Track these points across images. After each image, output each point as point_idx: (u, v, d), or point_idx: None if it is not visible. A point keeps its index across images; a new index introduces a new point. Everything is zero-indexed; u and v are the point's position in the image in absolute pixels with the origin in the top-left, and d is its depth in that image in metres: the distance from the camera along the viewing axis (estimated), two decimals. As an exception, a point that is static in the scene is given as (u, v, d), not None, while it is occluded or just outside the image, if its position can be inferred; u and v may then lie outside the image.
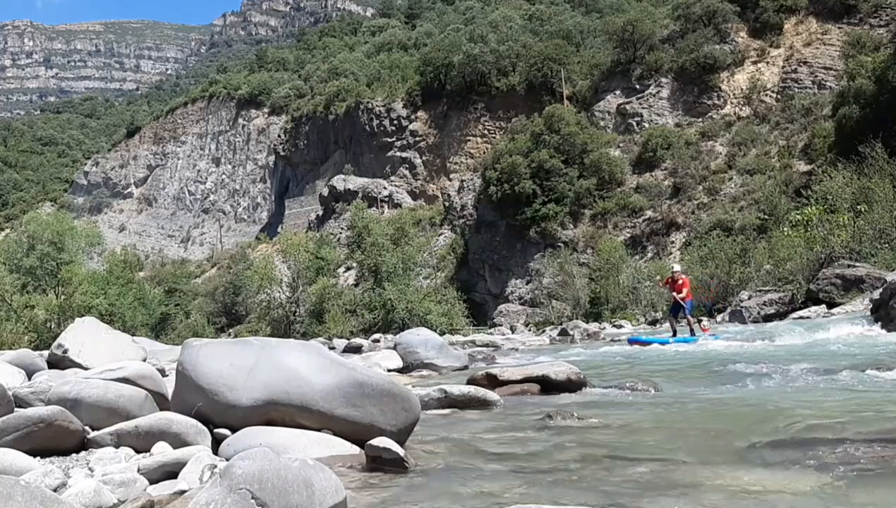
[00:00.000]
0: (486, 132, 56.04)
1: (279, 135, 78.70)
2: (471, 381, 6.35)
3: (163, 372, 5.88)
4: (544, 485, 2.98)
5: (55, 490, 2.79)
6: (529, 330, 28.05)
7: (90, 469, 3.24)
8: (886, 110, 26.45)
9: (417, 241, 37.21)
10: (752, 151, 37.35)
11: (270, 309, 34.48)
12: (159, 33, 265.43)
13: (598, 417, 4.60)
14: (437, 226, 49.76)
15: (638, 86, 45.04)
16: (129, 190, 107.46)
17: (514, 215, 38.90)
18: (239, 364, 3.71)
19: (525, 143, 40.09)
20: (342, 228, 51.98)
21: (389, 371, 8.71)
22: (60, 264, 30.53)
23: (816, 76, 39.36)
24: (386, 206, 57.27)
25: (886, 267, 17.07)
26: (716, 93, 42.40)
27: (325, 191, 62.32)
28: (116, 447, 3.53)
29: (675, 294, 14.41)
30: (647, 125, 42.72)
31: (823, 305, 16.25)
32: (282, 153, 76.79)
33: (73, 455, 3.49)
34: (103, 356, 7.54)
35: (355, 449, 3.52)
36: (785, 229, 22.69)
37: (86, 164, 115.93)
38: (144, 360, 7.36)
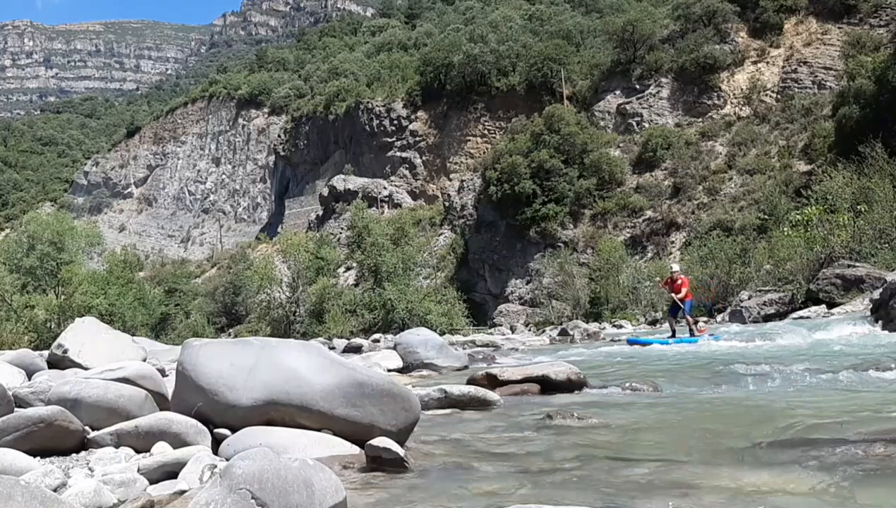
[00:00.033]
0: (486, 132, 56.06)
1: (279, 135, 78.71)
2: (471, 381, 6.35)
3: (163, 372, 5.88)
4: (544, 485, 2.98)
5: (55, 490, 2.79)
6: (529, 330, 28.05)
7: (90, 469, 3.24)
8: (886, 110, 26.46)
9: (417, 241, 37.21)
10: (752, 151, 37.36)
11: (270, 309, 34.49)
12: (159, 33, 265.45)
13: (598, 417, 4.60)
14: (437, 226, 49.77)
15: (638, 86, 45.05)
16: (129, 190, 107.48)
17: (514, 215, 38.91)
18: (239, 364, 3.71)
19: (525, 143, 40.10)
20: (342, 228, 51.99)
21: (389, 371, 8.71)
22: (60, 264, 30.53)
23: (816, 76, 39.36)
24: (386, 206, 57.28)
25: (886, 267, 17.07)
26: (716, 93, 42.42)
27: (325, 191, 62.33)
28: (116, 447, 3.53)
29: (673, 295, 14.38)
30: (647, 125, 42.72)
31: (823, 305, 16.25)
32: (282, 153, 76.80)
33: (73, 455, 3.49)
34: (103, 356, 7.54)
35: (355, 449, 3.52)
36: (785, 229, 22.69)
37: (86, 164, 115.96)
38: (144, 360, 7.36)
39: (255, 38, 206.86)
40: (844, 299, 15.94)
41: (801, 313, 16.30)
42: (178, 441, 3.49)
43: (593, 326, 21.39)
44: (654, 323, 22.95)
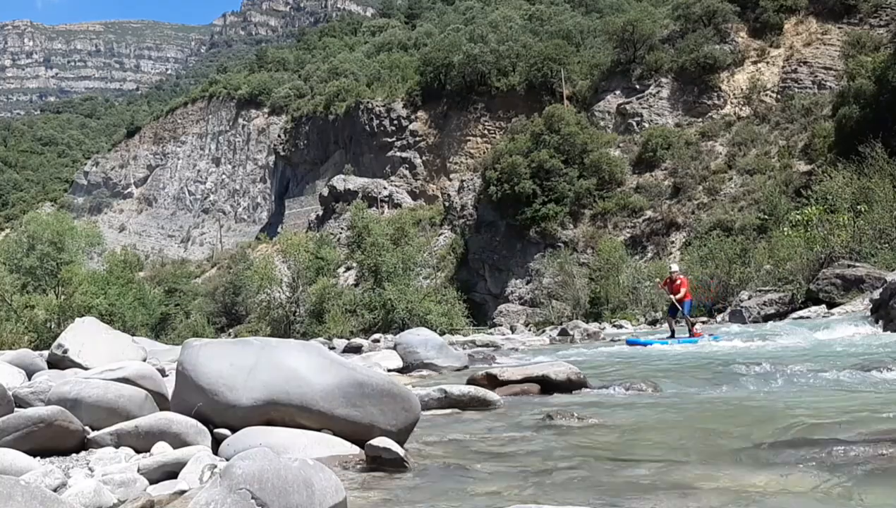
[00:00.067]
0: (486, 132, 56.06)
1: (279, 135, 78.72)
2: (471, 381, 6.35)
3: (163, 372, 5.88)
4: (544, 485, 2.98)
5: (55, 490, 2.79)
6: (529, 330, 28.06)
7: (90, 469, 3.24)
8: (886, 110, 26.47)
9: (417, 241, 37.22)
10: (752, 151, 37.37)
11: (270, 309, 34.50)
12: (159, 33, 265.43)
13: (599, 417, 4.60)
14: (437, 226, 49.78)
15: (638, 86, 45.05)
16: (129, 190, 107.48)
17: (514, 215, 38.91)
18: (239, 364, 3.71)
19: (525, 143, 40.11)
20: (342, 228, 52.00)
21: (389, 371, 8.71)
22: (60, 264, 30.54)
23: (816, 76, 39.37)
24: (386, 206, 57.29)
25: (886, 267, 17.08)
26: (716, 93, 42.42)
27: (325, 191, 62.33)
28: (116, 447, 3.53)
29: (672, 296, 14.32)
30: (647, 125, 42.73)
31: (823, 305, 16.26)
32: (282, 153, 76.80)
33: (73, 455, 3.49)
34: (103, 356, 7.54)
35: (355, 449, 3.52)
36: (785, 229, 22.70)
37: (86, 164, 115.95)
38: (144, 360, 7.36)
39: (255, 38, 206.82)
40: (844, 299, 15.95)
41: (801, 313, 16.31)
42: (178, 441, 3.49)
43: (593, 326, 21.39)
44: (654, 323, 22.95)
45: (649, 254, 35.12)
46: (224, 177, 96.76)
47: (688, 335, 13.47)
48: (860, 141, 24.67)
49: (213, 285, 57.56)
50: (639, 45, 45.65)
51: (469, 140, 57.27)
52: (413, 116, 61.17)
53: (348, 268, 43.42)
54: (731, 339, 12.28)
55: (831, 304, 16.10)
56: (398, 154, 61.33)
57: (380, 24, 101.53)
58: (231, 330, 45.34)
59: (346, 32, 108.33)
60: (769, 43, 42.49)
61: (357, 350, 14.98)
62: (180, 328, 44.60)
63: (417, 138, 60.67)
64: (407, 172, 61.22)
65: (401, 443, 3.53)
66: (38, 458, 3.31)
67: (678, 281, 14.31)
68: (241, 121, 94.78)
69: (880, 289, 12.98)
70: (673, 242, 35.33)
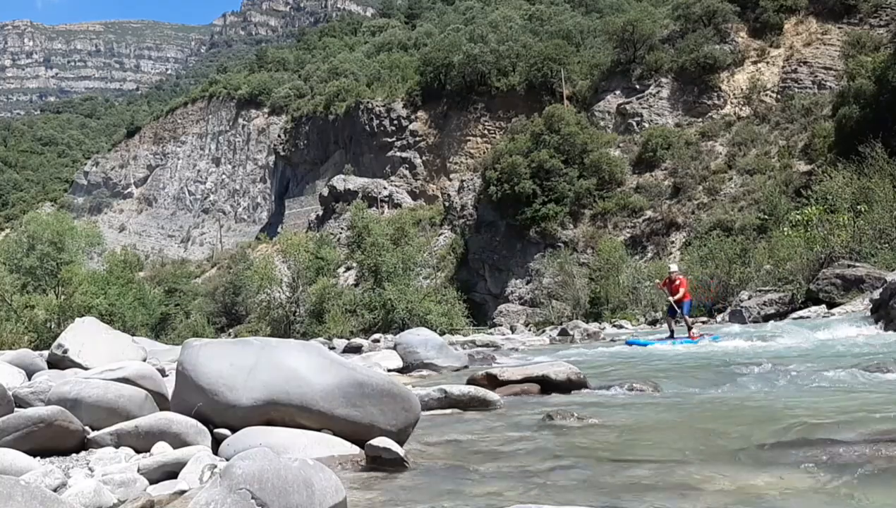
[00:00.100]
0: (486, 132, 56.06)
1: (279, 135, 78.71)
2: (471, 381, 6.35)
3: (163, 372, 5.88)
4: (544, 485, 2.98)
5: (55, 490, 2.79)
6: (529, 330, 28.05)
7: (90, 469, 3.24)
8: (886, 110, 26.46)
9: (417, 241, 37.22)
10: (752, 151, 37.36)
11: (270, 309, 34.50)
12: (159, 33, 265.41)
13: (599, 417, 4.60)
14: (437, 226, 49.78)
15: (638, 86, 45.05)
16: (129, 190, 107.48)
17: (514, 215, 38.91)
18: (239, 364, 3.71)
19: (525, 143, 40.10)
20: (342, 228, 52.00)
21: (389, 371, 8.72)
22: (60, 264, 30.53)
23: (816, 76, 39.37)
24: (386, 206, 57.29)
25: (886, 267, 17.07)
26: (716, 93, 42.42)
27: (325, 191, 62.33)
28: (116, 447, 3.53)
29: (670, 298, 14.28)
30: (647, 125, 42.73)
31: (823, 305, 16.26)
32: (282, 153, 76.80)
33: (73, 455, 3.49)
34: (103, 356, 7.54)
35: (355, 449, 3.52)
36: (785, 229, 22.70)
37: (86, 164, 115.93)
38: (144, 360, 7.36)
39: (255, 38, 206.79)
40: (844, 299, 15.95)
41: (801, 313, 16.30)
42: (178, 441, 3.49)
43: (593, 326, 21.39)
44: (654, 323, 22.95)
45: (649, 254, 35.12)
46: (224, 177, 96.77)
47: (687, 335, 13.45)
48: (860, 141, 24.67)
49: (213, 285, 57.56)
50: (639, 45, 45.65)
51: (469, 140, 57.27)
52: (413, 116, 61.17)
53: (348, 268, 43.42)
54: (731, 339, 12.28)
55: (831, 304, 16.10)
56: (398, 154, 61.33)
57: (380, 24, 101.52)
58: (231, 330, 45.34)
59: (346, 32, 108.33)
60: (769, 43, 42.49)
61: (357, 350, 14.98)
62: (180, 328, 44.60)
63: (417, 138, 60.68)
64: (407, 172, 61.22)
65: (401, 443, 3.53)
66: (38, 458, 3.31)
67: (677, 282, 14.29)
68: (241, 121, 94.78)
69: (880, 289, 12.98)
70: (673, 242, 35.33)
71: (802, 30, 41.74)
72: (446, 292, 32.80)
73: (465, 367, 9.35)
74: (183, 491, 2.86)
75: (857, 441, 3.23)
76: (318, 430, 3.60)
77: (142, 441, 3.54)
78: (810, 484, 2.74)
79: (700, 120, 42.00)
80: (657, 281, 19.93)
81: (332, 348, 15.24)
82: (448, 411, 5.28)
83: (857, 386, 5.45)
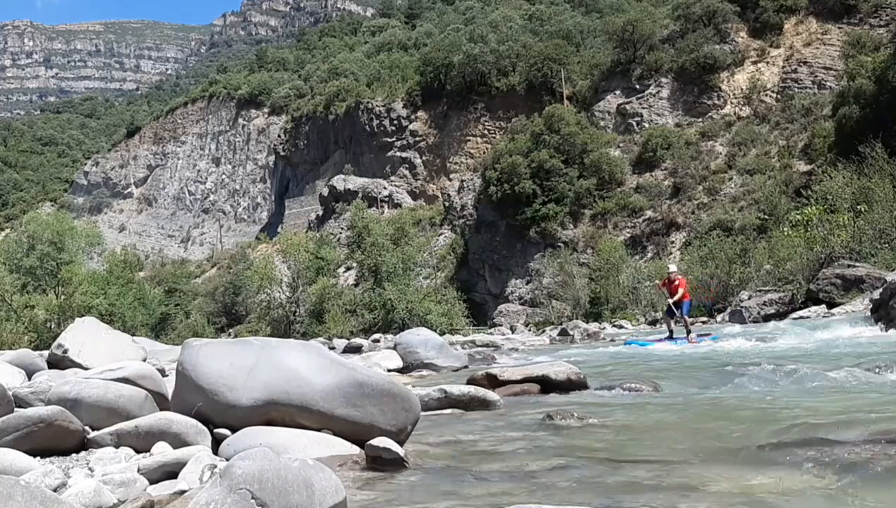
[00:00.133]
0: (486, 132, 56.05)
1: (279, 135, 78.71)
2: (471, 381, 6.35)
3: (163, 372, 5.88)
4: (544, 486, 2.98)
5: (55, 490, 2.79)
6: (529, 330, 28.06)
7: (90, 469, 3.24)
8: (886, 110, 26.47)
9: (417, 241, 37.23)
10: (752, 151, 37.37)
11: (270, 309, 34.51)
12: (159, 33, 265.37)
13: (598, 417, 4.60)
14: (437, 226, 49.78)
15: (638, 86, 45.05)
16: (129, 190, 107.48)
17: (514, 215, 38.92)
18: (239, 364, 3.71)
19: (525, 143, 40.11)
20: (342, 228, 52.00)
21: (389, 371, 8.72)
22: (60, 264, 30.54)
23: (816, 76, 39.37)
24: (386, 206, 57.29)
25: (886, 267, 17.08)
26: (716, 93, 42.42)
27: (325, 191, 62.33)
28: (116, 447, 3.53)
29: (669, 300, 14.25)
30: (647, 125, 42.73)
31: (823, 305, 16.26)
32: (282, 153, 76.80)
33: (73, 455, 3.49)
34: (103, 356, 7.54)
35: (355, 449, 3.52)
36: (785, 229, 22.71)
37: (86, 164, 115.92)
38: (144, 360, 7.36)
39: (255, 38, 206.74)
40: (844, 299, 15.95)
41: (801, 313, 16.31)
42: (178, 441, 3.49)
43: (593, 326, 21.41)
44: (654, 322, 22.96)
45: (649, 254, 35.13)
46: (224, 177, 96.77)
47: (686, 335, 13.45)
48: (860, 141, 24.67)
49: (213, 285, 57.57)
50: (639, 45, 45.65)
51: (469, 140, 57.27)
52: (413, 116, 61.17)
53: (348, 268, 43.42)
54: (731, 339, 12.28)
55: (831, 304, 16.10)
56: (398, 154, 61.33)
57: (380, 24, 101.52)
58: (231, 330, 45.34)
59: (346, 32, 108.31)
60: (769, 43, 42.49)
61: (357, 350, 14.99)
62: (180, 328, 44.61)
63: (417, 138, 60.67)
64: (407, 172, 61.22)
65: (401, 443, 3.53)
66: (38, 458, 3.31)
67: (676, 282, 14.28)
68: (241, 121, 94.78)
69: (880, 289, 12.99)
70: (673, 242, 35.33)
71: (802, 30, 41.75)
72: (446, 292, 32.82)
73: (465, 367, 9.36)
74: (183, 491, 2.86)
75: (857, 441, 3.23)
76: (318, 430, 3.60)
77: (142, 441, 3.54)
78: (810, 484, 2.74)
79: (700, 120, 42.00)
80: (656, 281, 19.93)
81: (332, 348, 15.24)
82: (448, 411, 5.28)
83: (857, 386, 5.45)
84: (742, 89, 41.75)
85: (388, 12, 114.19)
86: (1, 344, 21.33)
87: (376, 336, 22.17)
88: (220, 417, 3.67)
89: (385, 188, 59.78)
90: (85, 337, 8.02)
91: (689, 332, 13.60)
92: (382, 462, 3.35)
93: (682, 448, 3.53)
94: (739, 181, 35.84)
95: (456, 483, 3.07)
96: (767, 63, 41.95)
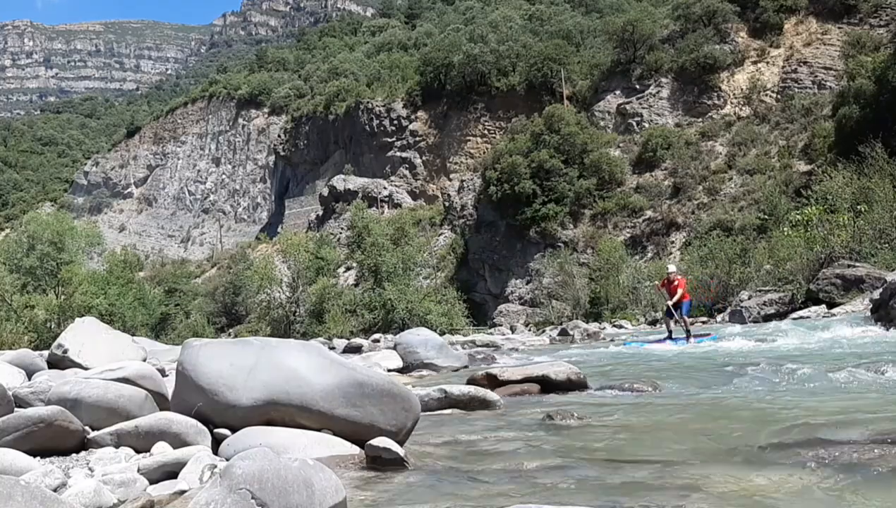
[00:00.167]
0: (486, 132, 56.06)
1: (279, 135, 78.72)
2: (471, 381, 6.35)
3: (163, 372, 5.88)
4: (544, 485, 2.98)
5: (55, 490, 2.79)
6: (529, 330, 28.05)
7: (90, 469, 3.24)
8: (886, 110, 26.47)
9: (417, 241, 37.23)
10: (752, 151, 37.37)
11: (270, 309, 34.50)
12: (159, 33, 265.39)
13: (598, 417, 4.60)
14: (437, 226, 49.78)
15: (638, 86, 45.05)
16: (129, 190, 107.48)
17: (514, 215, 38.91)
18: (239, 364, 3.71)
19: (525, 143, 40.10)
20: (342, 228, 52.00)
21: (389, 371, 8.72)
22: (60, 264, 30.54)
23: (816, 76, 39.37)
24: (386, 206, 57.29)
25: (886, 267, 17.08)
26: (716, 93, 42.42)
27: (325, 191, 62.34)
28: (116, 447, 3.53)
29: (668, 302, 14.23)
30: (647, 125, 42.73)
31: (823, 305, 16.26)
32: (282, 153, 76.81)
33: (73, 455, 3.49)
34: (103, 356, 7.54)
35: (355, 449, 3.52)
36: (785, 229, 22.71)
37: (86, 164, 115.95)
38: (144, 360, 7.36)
39: (255, 38, 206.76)
40: (844, 299, 15.95)
41: (801, 313, 16.30)
42: (178, 441, 3.49)
43: (593, 326, 21.40)
44: (654, 322, 22.94)
45: (649, 254, 35.12)
46: (224, 177, 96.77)
47: (685, 336, 13.45)
48: (860, 141, 24.67)
49: (213, 285, 57.56)
50: (639, 45, 45.65)
51: (469, 140, 57.27)
52: (413, 116, 61.17)
53: (348, 268, 43.42)
54: (731, 339, 12.28)
55: (831, 304, 16.10)
56: (398, 154, 61.33)
57: (380, 24, 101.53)
58: (231, 330, 45.34)
59: (346, 32, 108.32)
60: (769, 43, 42.49)
61: (357, 350, 14.98)
62: (180, 328, 44.60)
63: (417, 138, 60.67)
64: (407, 172, 61.22)
65: (401, 443, 3.53)
66: (38, 458, 3.31)
67: (676, 282, 14.27)
68: (241, 121, 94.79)
69: (880, 289, 12.98)
70: (673, 242, 35.33)
71: (802, 30, 41.75)
72: (446, 292, 32.81)
73: (465, 367, 9.36)
74: (183, 491, 2.86)
75: (857, 441, 3.23)
76: (318, 430, 3.60)
77: (142, 441, 3.54)
78: (810, 484, 2.74)
79: (700, 120, 42.00)
80: (656, 282, 19.93)
81: (332, 348, 15.24)
82: (448, 411, 5.28)
83: (858, 387, 5.45)
84: (742, 89, 41.75)
85: (388, 12, 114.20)
86: (1, 344, 21.33)
87: (376, 336, 22.17)
88: (220, 417, 3.67)
89: (385, 188, 59.78)
90: (85, 337, 8.02)
91: (688, 333, 13.59)
92: (382, 462, 3.35)
93: (683, 448, 3.53)
94: (739, 181, 35.84)
95: (456, 483, 3.07)
96: (767, 63, 41.95)
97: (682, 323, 13.97)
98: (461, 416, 5.11)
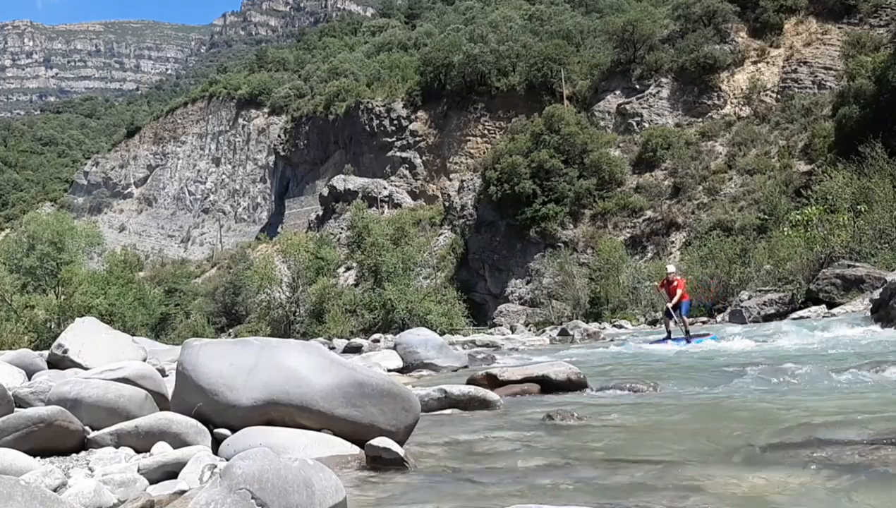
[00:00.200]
0: (486, 132, 56.06)
1: (279, 135, 78.73)
2: (471, 381, 6.35)
3: (163, 372, 5.88)
4: (544, 485, 2.98)
5: (55, 490, 2.79)
6: (529, 330, 28.06)
7: (90, 469, 3.24)
8: (886, 110, 26.47)
9: (417, 241, 37.24)
10: (752, 151, 37.37)
11: (270, 309, 34.51)
12: (159, 33, 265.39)
13: (599, 417, 4.60)
14: (437, 226, 49.78)
15: (638, 87, 45.05)
16: (129, 190, 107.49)
17: (514, 215, 38.92)
18: (239, 364, 3.71)
19: (525, 143, 40.11)
20: (342, 228, 52.00)
21: (389, 371, 8.71)
22: (60, 264, 30.55)
23: (816, 76, 39.37)
24: (386, 206, 57.29)
25: (886, 267, 17.08)
26: (716, 93, 42.42)
27: (325, 191, 62.34)
28: (116, 447, 3.53)
29: (668, 304, 14.23)
30: (647, 125, 42.73)
31: (823, 305, 16.26)
32: (282, 153, 76.82)
33: (73, 455, 3.48)
34: (103, 356, 7.54)
35: (355, 449, 3.52)
36: (785, 229, 22.71)
37: (86, 164, 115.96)
38: (144, 360, 7.36)
39: (255, 38, 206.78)
40: (844, 299, 15.95)
41: (801, 313, 16.30)
42: (178, 441, 3.49)
43: (593, 326, 21.40)
44: (653, 322, 22.94)
45: (649, 254, 35.12)
46: (224, 177, 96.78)
47: (684, 337, 13.45)
48: (860, 141, 24.68)
49: (213, 285, 57.57)
50: (639, 45, 45.65)
51: (469, 140, 57.28)
52: (413, 116, 61.17)
53: (348, 268, 43.42)
54: (730, 339, 12.28)
55: (831, 304, 16.10)
56: (398, 154, 61.33)
57: (380, 24, 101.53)
58: (231, 330, 45.34)
59: (346, 32, 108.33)
60: (769, 43, 42.50)
61: (357, 350, 14.98)
62: (180, 328, 44.60)
63: (417, 138, 60.68)
64: (407, 172, 61.22)
65: (401, 443, 3.53)
66: (38, 458, 3.31)
67: (675, 283, 14.28)
68: (241, 121, 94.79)
69: (880, 289, 12.99)
70: (673, 242, 35.33)
71: (802, 30, 41.75)
72: (446, 292, 32.82)
73: (465, 367, 9.35)
74: (183, 491, 2.86)
75: (857, 442, 3.23)
76: (318, 430, 3.60)
77: (142, 441, 3.54)
78: (810, 484, 2.74)
79: (700, 120, 42.01)
80: (655, 282, 19.93)
81: (332, 348, 15.24)
82: (448, 411, 5.28)
83: (857, 386, 5.45)
84: (742, 89, 41.75)
85: (388, 12, 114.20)
86: (1, 344, 21.33)
87: (376, 336, 22.17)
88: (220, 417, 3.67)
89: (385, 188, 59.78)
90: (85, 337, 8.02)
91: (687, 333, 13.60)
92: (382, 462, 3.35)
93: (683, 448, 3.53)
94: (739, 181, 35.84)
95: (456, 483, 3.07)
96: (767, 63, 41.95)
97: (682, 324, 13.98)
98: (461, 416, 5.10)
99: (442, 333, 18.88)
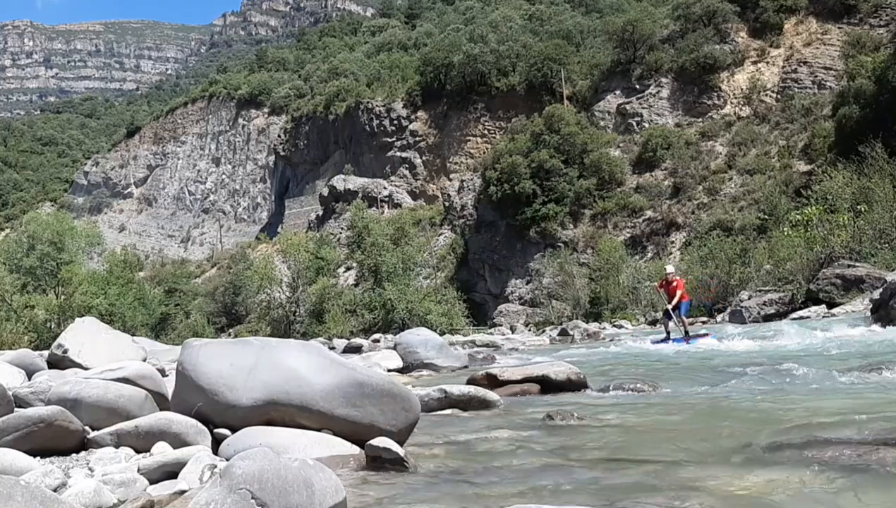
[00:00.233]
0: (486, 132, 56.06)
1: (279, 135, 78.74)
2: (471, 381, 6.35)
3: (163, 372, 5.88)
4: (544, 486, 2.98)
5: (55, 490, 2.79)
6: (529, 330, 28.06)
7: (90, 469, 3.24)
8: (886, 110, 26.48)
9: (417, 241, 37.24)
10: (752, 151, 37.38)
11: (270, 309, 34.52)
12: (159, 33, 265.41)
13: (599, 417, 4.60)
14: (437, 226, 49.79)
15: (638, 86, 45.06)
16: (129, 190, 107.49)
17: (514, 215, 38.92)
18: (239, 364, 3.71)
19: (525, 143, 40.12)
20: (342, 228, 52.01)
21: (389, 371, 8.71)
22: (60, 264, 30.56)
23: (816, 76, 39.38)
24: (386, 206, 57.29)
25: (886, 267, 17.08)
26: (716, 93, 42.43)
27: (325, 191, 62.35)
28: (116, 447, 3.53)
29: (668, 305, 14.23)
30: (647, 125, 42.74)
31: (823, 305, 16.27)
32: (282, 153, 76.82)
33: (73, 455, 3.48)
34: (103, 356, 7.54)
35: (355, 449, 3.52)
36: (785, 229, 22.72)
37: (86, 164, 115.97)
38: (144, 360, 7.36)
39: (255, 38, 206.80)
40: (844, 299, 15.96)
41: (801, 313, 16.31)
42: (178, 441, 3.49)
43: (593, 326, 21.41)
44: (653, 322, 22.94)
45: (649, 254, 35.13)
46: (224, 177, 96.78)
47: (683, 337, 13.45)
48: (860, 141, 24.69)
49: (213, 285, 57.58)
50: (639, 45, 45.66)
51: (469, 140, 57.28)
52: (413, 116, 61.17)
53: (348, 268, 43.43)
54: (730, 339, 12.28)
55: (831, 304, 16.11)
56: (398, 154, 61.34)
57: (380, 24, 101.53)
58: (231, 330, 45.35)
59: (346, 32, 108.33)
60: (769, 43, 42.50)
61: (357, 350, 14.99)
62: (180, 328, 44.61)
63: (417, 138, 60.68)
64: (407, 172, 61.23)
65: (401, 443, 3.53)
66: (38, 458, 3.31)
67: (674, 283, 14.28)
68: (241, 121, 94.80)
69: (880, 289, 12.99)
70: (673, 242, 35.33)
71: (802, 30, 41.75)
72: (446, 292, 32.83)
73: (465, 367, 9.35)
74: (183, 491, 2.86)
75: (857, 442, 3.23)
76: (318, 430, 3.60)
77: (142, 441, 3.54)
78: (810, 484, 2.74)
79: (700, 120, 42.01)
80: (654, 283, 19.93)
81: (332, 348, 15.24)
82: (448, 411, 5.28)
83: (857, 386, 5.45)
84: (742, 89, 41.76)
85: (388, 12, 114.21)
86: (1, 344, 21.34)
87: (376, 336, 22.18)
88: (220, 417, 3.67)
89: (385, 188, 59.78)
90: (85, 337, 8.02)
91: (686, 334, 13.60)
92: (382, 462, 3.35)
93: (683, 448, 3.53)
94: (739, 181, 35.85)
95: (456, 483, 3.07)
96: (767, 63, 41.96)
97: (681, 324, 13.98)
98: (461, 416, 5.11)
99: (442, 333, 18.88)
